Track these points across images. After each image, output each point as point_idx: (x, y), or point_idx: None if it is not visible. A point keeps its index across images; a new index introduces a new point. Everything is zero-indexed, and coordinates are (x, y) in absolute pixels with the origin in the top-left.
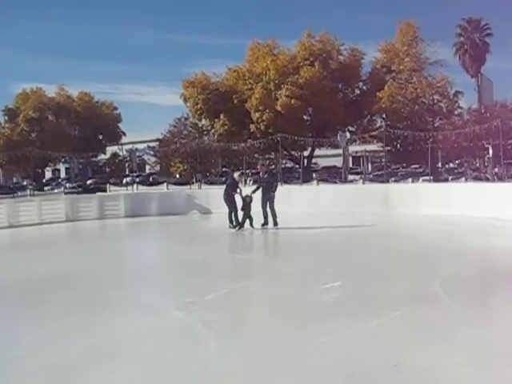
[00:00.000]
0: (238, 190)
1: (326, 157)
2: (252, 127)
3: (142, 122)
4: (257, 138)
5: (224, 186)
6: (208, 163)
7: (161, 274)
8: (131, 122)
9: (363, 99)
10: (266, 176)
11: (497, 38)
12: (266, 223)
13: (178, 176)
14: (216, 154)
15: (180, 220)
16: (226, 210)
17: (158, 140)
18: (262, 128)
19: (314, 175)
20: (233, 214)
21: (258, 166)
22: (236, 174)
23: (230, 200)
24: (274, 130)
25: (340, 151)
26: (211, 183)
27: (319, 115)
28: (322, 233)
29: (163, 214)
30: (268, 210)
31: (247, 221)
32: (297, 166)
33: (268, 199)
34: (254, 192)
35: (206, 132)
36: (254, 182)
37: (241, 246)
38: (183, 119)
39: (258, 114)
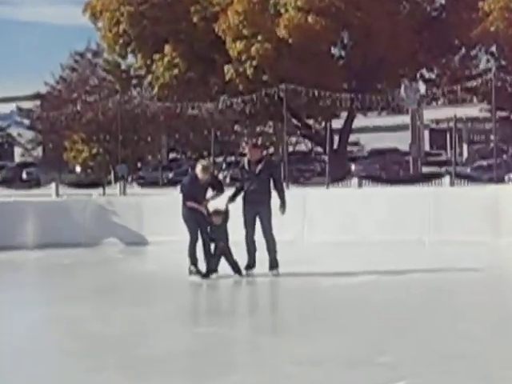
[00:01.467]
0: (205, 201)
1: (377, 131)
2: (228, 71)
3: (5, 58)
4: (239, 92)
5: (177, 190)
6: (141, 144)
7: (36, 367)
8: None
9: (451, 17)
10: (258, 168)
11: None
12: (251, 264)
13: (78, 169)
14: (157, 126)
15: (83, 257)
16: (182, 237)
17: (37, 96)
18: (249, 73)
19: (352, 167)
20: (196, 246)
21: (245, 149)
22: (199, 167)
23: (191, 218)
24: (271, 76)
25: (405, 119)
26: (148, 184)
27: (364, 48)
28: (368, 285)
29: (49, 246)
30: (259, 237)
31: (222, 260)
32: (319, 148)
33: (260, 216)
34: (231, 199)
35: (136, 81)
36: (235, 181)
37: (208, 308)
38: (90, 55)
39: (239, 45)
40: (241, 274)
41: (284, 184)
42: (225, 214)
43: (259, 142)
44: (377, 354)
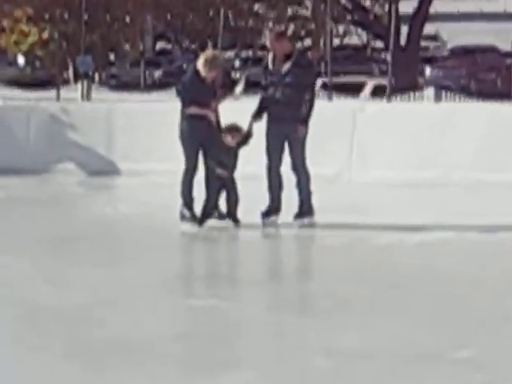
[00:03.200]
0: (216, 104)
1: (466, 19)
2: None
3: None
4: None
5: (167, 95)
6: (115, 27)
7: None
8: None
9: None
10: (284, 68)
11: None
12: (273, 208)
13: (21, 61)
14: (140, 1)
15: (25, 191)
16: (173, 165)
17: None
18: None
19: (427, 72)
20: (194, 179)
21: (268, 39)
22: (203, 59)
23: (193, 135)
24: None
25: (509, 3)
26: (124, 85)
27: None
28: (441, 246)
29: None
30: (287, 170)
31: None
32: (378, 42)
33: (288, 139)
34: (256, 116)
35: None
36: (254, 86)
37: (207, 272)
38: None
39: None
40: (237, 223)
41: (324, 94)
42: (245, 136)
43: (290, 31)
44: (452, 348)
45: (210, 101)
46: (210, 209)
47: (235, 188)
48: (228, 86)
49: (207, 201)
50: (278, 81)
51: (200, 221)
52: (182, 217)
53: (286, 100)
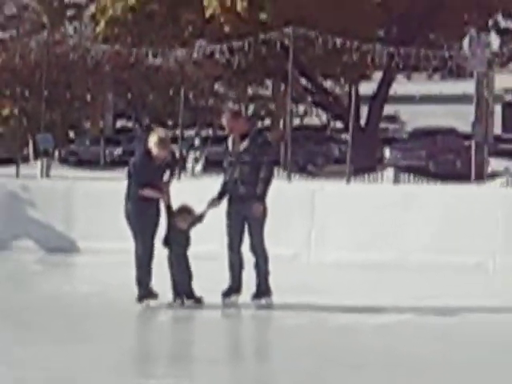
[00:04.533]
0: (166, 187)
1: (426, 102)
2: (210, 3)
3: None
4: (223, 36)
5: (123, 172)
6: (76, 105)
7: None
8: None
9: None
10: (242, 147)
11: None
12: (233, 288)
13: None
14: (101, 80)
15: None
16: (130, 244)
17: None
18: (240, 8)
19: (386, 153)
20: (151, 261)
21: (224, 118)
22: (155, 139)
23: (144, 216)
24: (273, 15)
25: (468, 87)
26: (84, 163)
27: None
28: (399, 329)
29: None
30: (247, 248)
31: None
32: (338, 123)
33: (247, 219)
34: (216, 201)
35: (72, 12)
36: (214, 165)
37: (163, 352)
38: None
39: None
40: (196, 301)
41: (283, 173)
42: (196, 220)
43: (249, 110)
44: None
45: (161, 181)
46: (181, 286)
47: (188, 266)
48: (173, 166)
49: (173, 280)
50: (236, 160)
51: (177, 299)
52: (140, 297)
53: (243, 179)
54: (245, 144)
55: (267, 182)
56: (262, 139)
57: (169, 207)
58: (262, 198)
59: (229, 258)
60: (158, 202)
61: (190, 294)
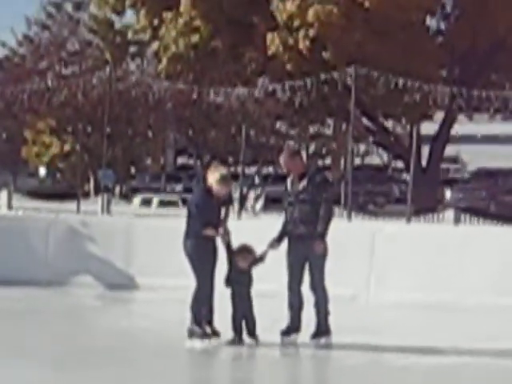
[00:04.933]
0: (223, 228)
1: (488, 142)
2: (273, 42)
3: None
4: (286, 74)
5: (184, 210)
6: (137, 141)
7: None
8: None
9: None
10: (300, 186)
11: None
12: (293, 327)
13: (43, 173)
14: (163, 116)
15: (42, 303)
16: (186, 282)
17: None
18: (303, 47)
19: (447, 194)
20: (208, 298)
21: (282, 158)
22: (217, 176)
23: (205, 254)
24: (335, 54)
25: None
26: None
27: (475, 20)
28: (459, 370)
29: None
30: (307, 287)
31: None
32: (399, 163)
33: (309, 259)
34: (276, 242)
35: (135, 49)
36: (274, 203)
37: None
38: (70, 7)
39: (290, 6)
40: (256, 340)
41: (343, 212)
42: (257, 260)
43: (310, 149)
44: None
45: (219, 219)
46: (238, 324)
47: (251, 305)
48: (229, 204)
49: (234, 318)
50: (295, 200)
51: (236, 337)
52: (190, 333)
53: (303, 218)
54: (303, 183)
55: (327, 219)
56: (321, 177)
57: (229, 246)
58: (322, 235)
59: (288, 298)
60: (215, 239)
61: (253, 332)
